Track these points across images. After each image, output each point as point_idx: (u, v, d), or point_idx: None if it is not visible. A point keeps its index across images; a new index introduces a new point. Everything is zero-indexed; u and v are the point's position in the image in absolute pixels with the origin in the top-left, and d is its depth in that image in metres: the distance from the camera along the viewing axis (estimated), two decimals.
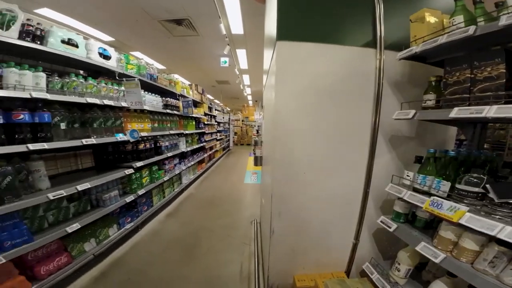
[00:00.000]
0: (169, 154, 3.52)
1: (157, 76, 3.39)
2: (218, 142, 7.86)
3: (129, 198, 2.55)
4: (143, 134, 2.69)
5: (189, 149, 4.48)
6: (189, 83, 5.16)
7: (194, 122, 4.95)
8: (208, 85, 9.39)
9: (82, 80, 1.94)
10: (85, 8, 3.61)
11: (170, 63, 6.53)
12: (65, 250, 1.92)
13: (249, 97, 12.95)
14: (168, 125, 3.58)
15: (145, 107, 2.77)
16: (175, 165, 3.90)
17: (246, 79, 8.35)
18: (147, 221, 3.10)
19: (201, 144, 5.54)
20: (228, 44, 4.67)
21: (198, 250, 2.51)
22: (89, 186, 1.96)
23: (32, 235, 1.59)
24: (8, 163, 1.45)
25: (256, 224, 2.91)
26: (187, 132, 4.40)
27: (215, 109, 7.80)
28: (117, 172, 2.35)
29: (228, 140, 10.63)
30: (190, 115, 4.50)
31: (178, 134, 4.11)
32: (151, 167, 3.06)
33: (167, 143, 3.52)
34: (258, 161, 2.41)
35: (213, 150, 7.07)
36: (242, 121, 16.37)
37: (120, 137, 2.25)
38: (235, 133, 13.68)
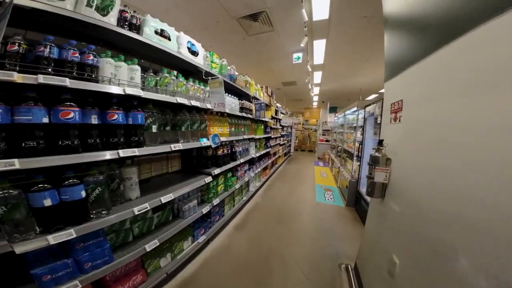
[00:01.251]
0: (242, 160, 3.20)
1: (236, 77, 3.13)
2: (281, 147, 7.37)
3: (205, 209, 2.30)
4: (222, 139, 2.41)
5: (257, 154, 4.12)
6: (259, 85, 4.88)
7: (262, 126, 4.58)
8: (273, 88, 9.09)
9: (173, 77, 1.73)
10: (177, 16, 3.80)
11: (242, 67, 6.55)
12: (142, 266, 1.75)
13: (315, 98, 11.92)
14: (242, 129, 3.27)
15: (226, 110, 2.49)
16: (245, 171, 3.59)
17: (317, 77, 7.52)
18: (217, 233, 2.84)
19: (267, 150, 5.14)
20: (306, 35, 4.08)
21: None
22: (172, 198, 1.73)
23: (113, 255, 1.41)
24: (102, 171, 1.29)
25: (351, 271, 2.13)
26: (256, 136, 4.05)
27: (280, 112, 7.35)
28: (198, 180, 2.11)
29: (290, 145, 10.01)
30: (261, 119, 4.13)
31: (249, 139, 3.79)
32: (226, 174, 2.78)
33: (240, 149, 3.22)
34: (376, 189, 1.64)
35: (276, 156, 6.61)
36: (303, 124, 15.34)
37: (204, 142, 1.99)
38: (296, 137, 12.90)
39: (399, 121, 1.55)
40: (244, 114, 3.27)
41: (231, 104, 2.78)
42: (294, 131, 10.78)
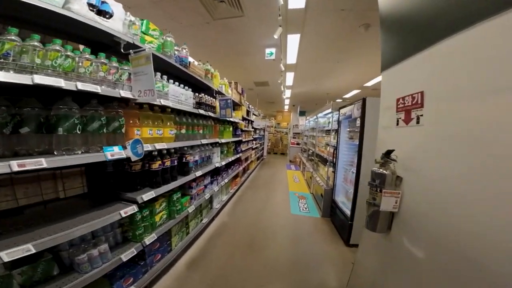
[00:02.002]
0: (198, 173, 2.44)
1: (190, 62, 2.39)
2: (253, 151, 6.74)
3: (127, 254, 1.49)
4: (160, 146, 1.64)
5: (223, 163, 3.40)
6: (227, 79, 4.18)
7: (231, 128, 3.89)
8: (245, 88, 8.49)
9: (35, 42, 0.93)
10: None
11: (208, 59, 5.76)
12: None
13: (287, 101, 11.65)
14: (200, 131, 2.53)
15: (166, 103, 1.73)
16: (205, 186, 2.82)
17: (289, 78, 7.13)
18: (160, 276, 2.03)
19: (237, 155, 4.45)
20: (280, 25, 3.55)
21: None
22: (32, 251, 0.92)
23: None
24: None
25: None
26: (223, 140, 3.33)
27: (253, 113, 6.74)
28: (109, 214, 1.30)
29: (263, 148, 9.47)
30: (228, 119, 3.43)
31: (212, 144, 3.05)
32: (172, 195, 1.99)
33: (197, 157, 2.46)
34: (380, 221, 1.10)
35: (248, 161, 5.96)
36: (275, 127, 15.23)
37: (112, 152, 1.20)
38: (269, 140, 12.50)
39: (418, 122, 1.01)
40: (202, 112, 2.53)
41: (179, 95, 2.02)
42: (267, 134, 10.33)
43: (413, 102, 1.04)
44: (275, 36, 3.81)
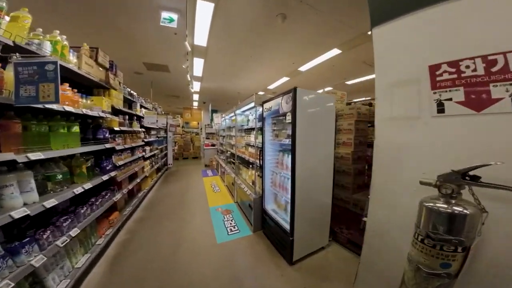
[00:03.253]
0: None
1: None
2: (147, 161, 4.73)
3: None
4: None
5: (49, 203, 1.55)
6: (64, 38, 2.18)
7: (76, 128, 2.03)
8: (129, 71, 6.06)
9: None
10: None
11: (48, 12, 3.08)
12: None
13: (196, 97, 9.97)
14: None
15: None
16: None
17: (198, 66, 5.71)
18: None
19: (105, 177, 2.56)
20: None
21: None
22: None
23: None
24: None
25: None
26: (34, 157, 1.48)
27: (142, 106, 4.72)
28: None
29: (166, 154, 7.37)
30: (54, 107, 1.63)
31: None
32: None
33: None
34: None
35: (139, 179, 3.98)
36: (182, 127, 13.06)
37: None
38: (175, 143, 10.27)
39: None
40: None
41: None
42: (172, 136, 8.29)
43: (496, 70, 0.21)
44: None
